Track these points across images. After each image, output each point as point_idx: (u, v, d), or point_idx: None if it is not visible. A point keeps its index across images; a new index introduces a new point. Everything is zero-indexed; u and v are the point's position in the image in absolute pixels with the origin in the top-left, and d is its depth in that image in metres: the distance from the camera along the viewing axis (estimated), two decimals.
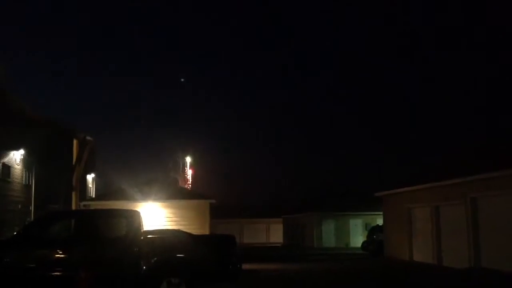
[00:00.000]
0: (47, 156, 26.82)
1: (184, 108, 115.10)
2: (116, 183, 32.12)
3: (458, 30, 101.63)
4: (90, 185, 36.90)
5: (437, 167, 26.85)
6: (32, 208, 25.25)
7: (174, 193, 30.08)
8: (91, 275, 11.35)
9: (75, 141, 31.28)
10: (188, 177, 56.15)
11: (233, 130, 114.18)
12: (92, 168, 36.56)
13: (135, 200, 27.31)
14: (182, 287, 12.34)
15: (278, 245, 57.62)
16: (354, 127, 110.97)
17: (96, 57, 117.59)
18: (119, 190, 29.82)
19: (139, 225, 12.46)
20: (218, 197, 32.19)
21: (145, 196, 27.83)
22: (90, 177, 36.35)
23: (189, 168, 58.13)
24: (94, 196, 36.05)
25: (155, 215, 26.93)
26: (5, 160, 23.11)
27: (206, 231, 26.81)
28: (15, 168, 24.01)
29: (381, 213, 31.55)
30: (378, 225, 36.98)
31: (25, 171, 25.09)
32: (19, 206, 24.40)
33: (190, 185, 54.28)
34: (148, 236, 13.66)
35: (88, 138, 31.73)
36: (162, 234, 16.09)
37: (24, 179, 25.06)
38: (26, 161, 24.75)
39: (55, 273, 11.44)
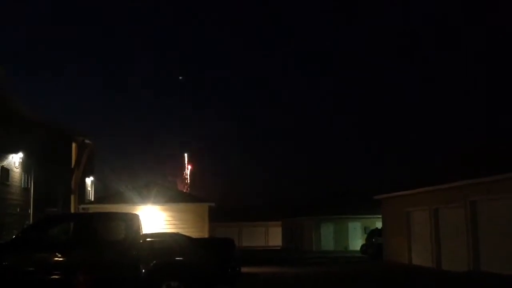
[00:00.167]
0: (46, 159, 26.78)
1: (184, 109, 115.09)
2: (115, 186, 32.13)
3: (459, 30, 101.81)
4: (89, 188, 36.85)
5: (436, 170, 26.87)
6: (31, 211, 25.19)
7: (173, 196, 30.06)
8: (90, 279, 11.33)
9: (74, 144, 31.26)
10: (186, 175, 56.07)
11: (233, 131, 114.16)
12: (91, 171, 36.53)
13: (134, 203, 27.28)
14: None
15: (277, 248, 57.56)
16: (354, 128, 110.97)
17: (96, 58, 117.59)
18: (118, 193, 29.81)
19: (138, 228, 12.45)
20: (217, 200, 32.18)
21: (144, 199, 27.80)
22: (89, 180, 36.30)
23: (188, 164, 58.02)
24: (93, 199, 36.00)
25: (154, 218, 26.90)
26: (4, 163, 23.07)
27: (205, 234, 26.79)
28: (14, 171, 23.97)
29: (380, 216, 31.54)
30: (377, 228, 36.98)
31: (24, 174, 25.05)
32: (18, 209, 24.35)
33: (188, 181, 54.08)
34: (147, 239, 13.65)
35: (87, 141, 31.71)
36: (161, 237, 16.09)
37: (22, 183, 25.01)
38: (25, 164, 24.72)
39: (54, 277, 11.42)
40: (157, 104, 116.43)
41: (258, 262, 28.66)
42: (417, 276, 21.26)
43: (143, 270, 11.86)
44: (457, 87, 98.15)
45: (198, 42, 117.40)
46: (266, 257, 36.75)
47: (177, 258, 13.36)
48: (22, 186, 24.98)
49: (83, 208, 28.73)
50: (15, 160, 23.84)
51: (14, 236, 13.97)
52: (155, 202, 27.92)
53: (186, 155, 57.87)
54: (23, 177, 25.00)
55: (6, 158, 23.28)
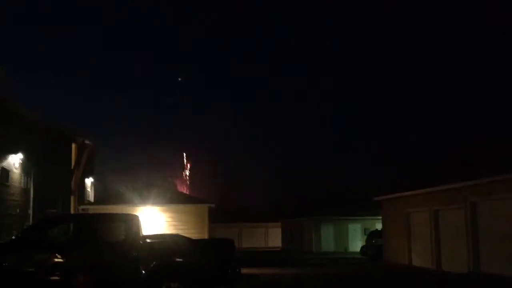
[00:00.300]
0: (45, 160, 26.77)
1: (184, 109, 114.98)
2: (115, 187, 32.11)
3: (459, 30, 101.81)
4: (89, 189, 36.81)
5: (436, 171, 26.86)
6: (30, 212, 25.18)
7: (173, 197, 30.06)
8: (90, 280, 11.31)
9: (74, 145, 31.25)
10: (186, 176, 55.95)
11: (233, 132, 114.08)
12: (90, 172, 36.51)
13: (134, 204, 27.28)
14: None
15: (277, 249, 57.55)
16: (354, 128, 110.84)
17: (95, 59, 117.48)
18: (118, 194, 29.80)
19: (138, 229, 12.42)
20: (217, 201, 32.19)
21: (144, 200, 27.80)
22: (88, 181, 36.27)
23: (187, 164, 57.88)
24: (92, 200, 35.98)
25: (154, 219, 26.90)
26: (4, 164, 23.05)
27: (205, 235, 26.78)
28: (14, 172, 23.95)
29: (380, 217, 31.53)
30: (377, 229, 36.97)
31: (24, 175, 25.03)
32: (18, 210, 24.33)
33: (188, 182, 53.91)
34: (147, 240, 13.62)
35: (87, 142, 31.71)
36: (161, 238, 16.08)
37: (22, 183, 24.99)
38: (24, 165, 24.70)
39: (54, 278, 11.39)
40: (157, 104, 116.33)
41: (258, 263, 28.64)
42: (417, 277, 21.24)
43: (143, 271, 11.84)
44: (457, 87, 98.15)
45: (198, 42, 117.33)
46: (266, 258, 36.73)
47: (177, 259, 13.32)
48: (22, 187, 24.96)
49: (82, 209, 28.72)
50: (14, 160, 23.82)
51: (13, 237, 13.94)
52: (155, 203, 27.92)
53: (185, 154, 57.78)
54: (22, 178, 24.98)
55: (6, 158, 23.26)
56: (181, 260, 13.17)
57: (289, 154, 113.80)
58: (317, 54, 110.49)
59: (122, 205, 26.63)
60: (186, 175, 57.40)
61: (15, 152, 23.77)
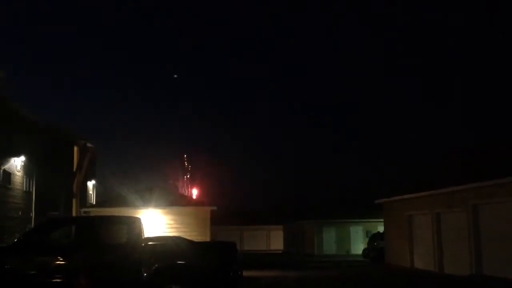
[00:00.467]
0: (47, 162, 26.80)
1: (184, 110, 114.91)
2: (117, 190, 32.11)
3: (459, 30, 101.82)
4: (91, 192, 36.84)
5: (437, 173, 26.82)
6: (32, 214, 25.20)
7: (175, 200, 30.06)
8: (92, 282, 11.32)
9: (75, 148, 31.28)
10: (187, 178, 55.86)
11: (232, 133, 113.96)
12: (92, 175, 36.53)
13: (135, 207, 27.28)
14: None
15: (279, 252, 57.51)
16: (354, 128, 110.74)
17: (96, 60, 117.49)
18: (119, 197, 29.79)
19: (140, 232, 12.44)
20: (218, 204, 32.18)
21: (146, 203, 27.80)
22: (90, 184, 36.30)
23: (187, 166, 57.76)
24: (94, 203, 35.99)
25: (156, 222, 26.89)
26: (6, 166, 23.08)
27: (206, 238, 26.78)
28: (16, 175, 23.98)
29: (382, 220, 31.50)
30: (379, 232, 36.92)
31: (26, 177, 25.06)
32: (20, 212, 24.35)
33: (189, 184, 53.80)
34: (149, 243, 13.65)
35: (89, 145, 31.73)
36: (163, 241, 16.11)
37: (24, 186, 25.02)
38: (26, 167, 24.73)
39: (56, 280, 11.41)
40: (157, 105, 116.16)
41: (260, 266, 28.63)
42: (419, 280, 21.22)
43: (145, 274, 11.85)
44: (457, 87, 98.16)
45: (198, 42, 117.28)
46: (267, 261, 36.71)
47: (178, 262, 13.36)
48: (24, 190, 24.98)
49: (84, 212, 28.73)
50: (17, 163, 23.85)
51: (16, 240, 13.97)
52: (157, 205, 27.92)
53: (185, 156, 57.66)
54: (24, 181, 25.01)
55: (8, 161, 23.29)
56: (183, 262, 13.20)
57: (289, 154, 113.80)
58: (317, 54, 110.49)
59: (124, 208, 26.64)
60: (187, 177, 57.28)
61: (17, 154, 23.81)
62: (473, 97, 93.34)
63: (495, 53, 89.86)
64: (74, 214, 29.37)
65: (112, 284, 11.54)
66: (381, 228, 35.64)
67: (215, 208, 29.61)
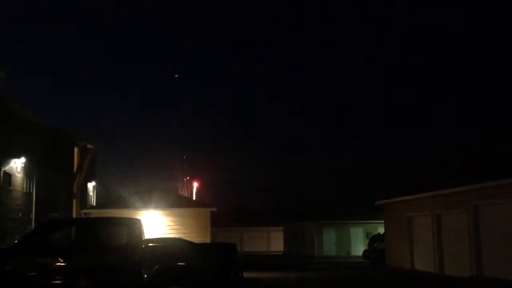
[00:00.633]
0: (48, 164, 26.80)
1: (184, 110, 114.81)
2: (117, 191, 32.12)
3: (459, 30, 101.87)
4: (91, 193, 36.84)
5: (437, 174, 26.81)
6: (32, 216, 25.19)
7: (175, 201, 30.07)
8: (92, 284, 11.32)
9: (76, 149, 31.28)
10: (187, 178, 55.71)
11: (233, 133, 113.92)
12: (93, 176, 36.53)
13: (136, 208, 27.28)
14: None
15: (279, 253, 57.49)
16: (354, 129, 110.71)
17: (96, 61, 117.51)
18: (120, 198, 29.81)
19: (140, 233, 12.44)
20: (218, 205, 32.18)
21: (146, 204, 27.80)
22: (91, 185, 36.29)
23: (187, 166, 57.57)
24: (95, 204, 35.99)
25: (156, 223, 26.90)
26: (6, 168, 23.07)
27: (207, 239, 26.78)
28: (16, 176, 23.97)
29: (382, 221, 31.49)
30: (379, 233, 36.90)
31: (26, 179, 25.04)
32: (20, 214, 24.35)
33: (190, 182, 53.63)
34: (150, 244, 13.64)
35: (89, 146, 31.73)
36: (163, 242, 16.09)
37: (25, 187, 25.01)
38: (27, 169, 24.72)
39: (56, 281, 11.42)
40: (157, 105, 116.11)
41: (260, 267, 28.60)
42: (420, 281, 21.21)
43: (145, 275, 11.85)
44: (457, 88, 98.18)
45: (198, 42, 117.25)
46: (268, 262, 36.69)
47: (179, 263, 13.35)
48: (24, 191, 24.98)
49: (85, 213, 28.73)
50: (17, 164, 23.85)
51: (16, 241, 13.96)
52: (157, 207, 27.93)
53: (184, 157, 57.50)
54: (25, 182, 25.00)
55: (8, 162, 23.28)
56: (183, 264, 13.19)
57: (289, 154, 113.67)
58: (317, 54, 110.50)
59: (124, 209, 26.65)
60: (187, 178, 57.20)
61: (18, 156, 23.80)
62: (473, 97, 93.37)
63: (495, 53, 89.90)
64: (74, 215, 29.36)
65: (112, 285, 11.54)
66: (381, 230, 35.63)
67: (215, 209, 29.61)
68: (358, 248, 45.10)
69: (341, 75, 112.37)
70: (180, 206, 29.25)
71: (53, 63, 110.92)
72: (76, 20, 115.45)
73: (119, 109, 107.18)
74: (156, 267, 12.53)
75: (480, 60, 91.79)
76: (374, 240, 36.77)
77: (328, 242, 48.67)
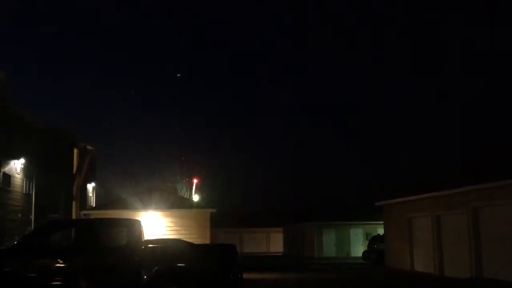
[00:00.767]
0: (47, 165, 26.80)
1: (184, 111, 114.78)
2: (117, 192, 32.09)
3: (459, 30, 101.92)
4: (91, 194, 36.84)
5: (438, 175, 26.81)
6: (32, 217, 25.20)
7: (175, 202, 30.05)
8: (92, 285, 11.31)
9: (75, 150, 31.30)
10: (187, 180, 55.66)
11: (232, 133, 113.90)
12: (92, 177, 36.53)
13: (135, 209, 27.25)
14: None
15: (279, 254, 57.47)
16: (354, 129, 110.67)
17: (96, 61, 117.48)
18: (119, 199, 29.79)
19: (140, 234, 12.43)
20: (218, 206, 32.16)
21: (146, 205, 27.78)
22: (90, 186, 36.30)
23: (186, 168, 57.51)
24: (94, 205, 35.98)
25: (156, 224, 26.88)
26: (6, 169, 23.08)
27: (206, 241, 26.76)
28: (16, 177, 23.98)
29: (382, 222, 31.49)
30: (379, 234, 36.89)
31: (26, 180, 25.05)
32: (20, 215, 24.35)
33: (188, 179, 53.53)
34: (149, 245, 13.62)
35: (89, 147, 31.76)
36: (163, 243, 16.08)
37: (24, 188, 25.01)
38: (26, 170, 24.73)
39: (56, 282, 11.41)
40: (157, 105, 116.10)
41: (260, 268, 28.59)
42: (419, 282, 21.20)
43: (145, 276, 11.84)
44: (457, 88, 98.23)
45: (198, 42, 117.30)
46: (267, 263, 36.68)
47: (178, 264, 13.33)
48: (24, 192, 24.98)
49: (84, 214, 28.71)
50: (16, 166, 23.85)
51: (16, 242, 13.95)
52: (157, 208, 27.91)
53: (183, 158, 57.43)
54: (24, 183, 25.00)
55: (8, 164, 23.29)
56: (183, 265, 13.18)
57: (289, 154, 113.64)
58: (317, 54, 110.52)
59: (124, 210, 26.62)
60: (186, 180, 57.14)
61: (17, 157, 23.81)
62: (473, 97, 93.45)
63: (495, 53, 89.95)
64: (74, 216, 29.37)
65: (112, 286, 11.53)
66: (381, 231, 35.62)
67: (214, 210, 29.61)
68: (358, 249, 45.07)
69: (341, 75, 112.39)
70: (180, 207, 29.23)
71: (53, 63, 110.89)
72: (76, 20, 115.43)
73: (119, 109, 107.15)
74: (156, 268, 12.51)
75: (480, 60, 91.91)
76: (374, 241, 36.76)
77: (328, 243, 48.63)
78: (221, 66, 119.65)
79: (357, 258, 40.68)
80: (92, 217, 26.15)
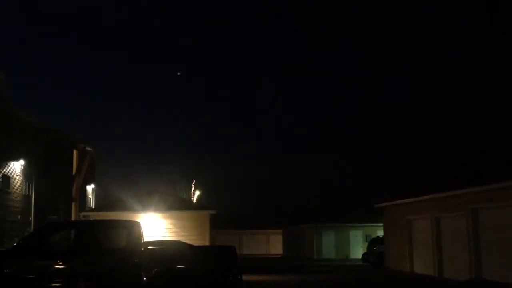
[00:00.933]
0: (47, 166, 26.80)
1: (183, 111, 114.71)
2: (116, 194, 32.09)
3: (459, 30, 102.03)
4: (90, 196, 36.82)
5: (437, 177, 26.82)
6: (31, 218, 25.19)
7: (174, 204, 30.04)
8: (91, 286, 11.31)
9: (75, 152, 31.30)
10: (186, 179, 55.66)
11: (232, 133, 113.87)
12: (92, 179, 36.52)
13: (135, 211, 27.27)
14: None
15: (278, 256, 57.46)
16: (354, 130, 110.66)
17: (96, 61, 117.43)
18: (119, 201, 29.79)
19: (140, 236, 12.43)
20: (217, 207, 32.16)
21: (145, 207, 27.79)
22: (90, 188, 36.29)
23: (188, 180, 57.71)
24: (94, 207, 35.96)
25: (155, 226, 26.88)
26: (5, 170, 23.08)
27: (206, 242, 26.76)
28: (15, 179, 23.97)
29: (382, 224, 31.49)
30: (378, 236, 36.90)
31: (25, 181, 25.05)
32: (19, 216, 24.34)
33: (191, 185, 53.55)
34: (149, 247, 13.62)
35: (88, 148, 31.76)
36: (162, 245, 16.09)
37: (24, 190, 25.01)
38: (26, 171, 24.73)
39: (55, 284, 11.40)
40: (157, 105, 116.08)
41: (259, 270, 28.58)
42: (419, 284, 21.20)
43: (145, 278, 11.84)
44: (457, 88, 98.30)
45: (198, 42, 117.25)
46: (267, 265, 36.67)
47: (178, 266, 13.34)
48: (23, 193, 24.97)
49: (84, 216, 28.71)
50: (16, 167, 23.85)
51: (15, 244, 13.95)
52: (156, 209, 27.91)
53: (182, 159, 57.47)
54: (24, 185, 25.00)
55: (7, 165, 23.28)
56: (182, 266, 13.18)
57: (288, 155, 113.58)
58: (317, 54, 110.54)
59: (124, 212, 26.62)
60: (185, 180, 57.14)
61: (17, 158, 23.80)
62: (473, 97, 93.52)
63: (495, 53, 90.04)
64: (73, 218, 29.35)
65: None
66: (380, 233, 35.62)
67: (214, 212, 29.61)
68: (357, 251, 45.06)
69: (341, 75, 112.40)
70: (179, 208, 29.23)
71: (53, 63, 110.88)
72: (76, 20, 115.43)
73: (118, 109, 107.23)
74: (155, 269, 12.51)
75: (480, 60, 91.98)
76: (373, 243, 36.76)
77: (327, 245, 48.65)
78: (221, 66, 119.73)
79: (357, 260, 40.67)
80: (91, 219, 26.16)
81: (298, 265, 37.07)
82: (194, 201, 45.91)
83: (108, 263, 11.64)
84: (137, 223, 12.81)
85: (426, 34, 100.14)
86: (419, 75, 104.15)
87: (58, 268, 11.57)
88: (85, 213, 29.33)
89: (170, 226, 27.82)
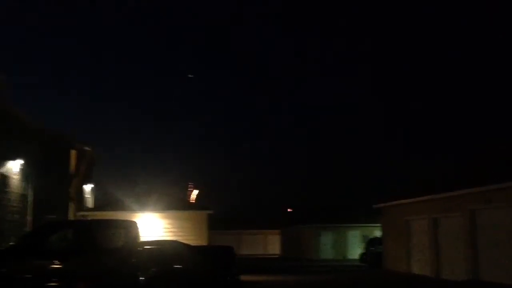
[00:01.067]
0: (44, 166, 26.72)
1: (183, 111, 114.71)
2: (114, 194, 32.06)
3: (459, 30, 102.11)
4: (88, 196, 36.75)
5: (436, 178, 26.84)
6: (29, 218, 25.13)
7: (172, 203, 30.02)
8: (89, 286, 11.30)
9: (73, 151, 31.22)
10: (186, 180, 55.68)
11: (232, 133, 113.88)
12: (90, 178, 36.46)
13: (132, 210, 27.25)
14: None
15: (276, 256, 57.47)
16: (354, 129, 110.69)
17: (96, 60, 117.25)
18: (117, 200, 29.76)
19: (137, 235, 12.42)
20: (215, 208, 32.16)
21: (143, 207, 27.77)
22: (88, 188, 36.21)
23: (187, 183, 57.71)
24: (91, 206, 35.91)
25: (153, 225, 26.87)
26: (3, 170, 23.03)
27: (204, 242, 26.72)
28: (13, 178, 23.90)
29: (380, 225, 31.51)
30: (376, 237, 36.92)
31: (23, 181, 25.00)
32: (16, 216, 24.30)
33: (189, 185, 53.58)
34: (146, 247, 13.61)
35: (86, 148, 31.69)
36: (160, 245, 16.06)
37: (21, 189, 24.96)
38: (24, 171, 24.68)
39: (53, 284, 11.39)
40: (157, 105, 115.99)
41: (258, 270, 28.58)
42: (416, 285, 21.22)
43: (142, 278, 11.83)
44: (457, 88, 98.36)
45: (198, 42, 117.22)
46: (265, 265, 36.67)
47: (176, 266, 13.32)
48: (21, 193, 24.91)
49: (82, 215, 28.68)
50: (14, 167, 23.80)
51: (12, 243, 13.94)
52: (154, 209, 27.89)
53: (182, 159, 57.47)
54: (21, 184, 24.95)
55: (5, 165, 23.24)
56: (180, 266, 13.17)
57: (288, 155, 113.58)
58: (317, 53, 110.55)
59: (121, 212, 26.60)
60: (186, 181, 57.18)
61: (14, 158, 23.76)
62: (473, 97, 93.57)
63: (495, 53, 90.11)
64: (71, 217, 29.28)
65: None
66: (378, 233, 35.64)
67: (212, 212, 29.59)
68: (355, 251, 45.04)
69: (341, 75, 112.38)
70: (177, 208, 29.21)
71: (53, 63, 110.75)
72: (76, 20, 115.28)
73: (118, 109, 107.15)
74: (153, 269, 12.50)
75: (480, 60, 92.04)
76: (371, 243, 36.77)
77: (325, 246, 48.65)
78: (221, 66, 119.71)
79: (355, 260, 40.65)
80: (89, 218, 26.15)
81: (296, 266, 37.07)
82: (191, 202, 45.91)
83: (106, 263, 11.63)
84: (134, 223, 12.80)
85: (426, 34, 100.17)
86: (419, 75, 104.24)
87: (56, 268, 11.56)
88: (83, 213, 29.31)
89: (168, 226, 27.81)
